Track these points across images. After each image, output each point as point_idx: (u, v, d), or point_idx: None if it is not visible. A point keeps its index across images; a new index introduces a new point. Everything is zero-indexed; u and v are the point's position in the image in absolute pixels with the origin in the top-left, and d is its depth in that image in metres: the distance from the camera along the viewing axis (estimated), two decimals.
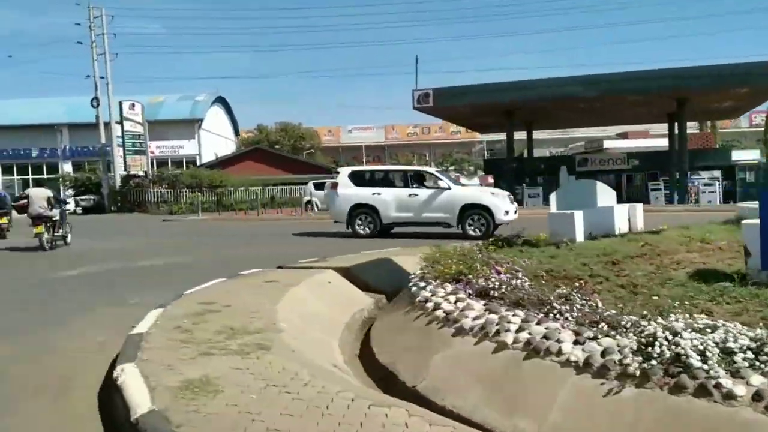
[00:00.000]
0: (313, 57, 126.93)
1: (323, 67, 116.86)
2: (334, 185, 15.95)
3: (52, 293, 8.65)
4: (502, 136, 63.47)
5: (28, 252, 13.73)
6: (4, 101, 47.99)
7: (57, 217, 14.06)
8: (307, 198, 26.62)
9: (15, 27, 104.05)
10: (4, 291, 8.89)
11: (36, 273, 10.61)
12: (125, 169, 32.30)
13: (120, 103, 32.19)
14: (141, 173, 32.47)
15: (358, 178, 15.89)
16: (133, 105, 32.83)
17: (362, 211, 15.40)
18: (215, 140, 50.00)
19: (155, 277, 9.90)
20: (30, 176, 44.25)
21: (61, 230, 14.41)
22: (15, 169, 45.27)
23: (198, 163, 43.60)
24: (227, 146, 53.27)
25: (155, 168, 35.33)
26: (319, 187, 26.93)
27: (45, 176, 43.70)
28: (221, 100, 52.79)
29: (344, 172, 16.46)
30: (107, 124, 32.92)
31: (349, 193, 15.54)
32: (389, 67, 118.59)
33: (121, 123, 32.02)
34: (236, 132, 58.69)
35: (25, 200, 13.77)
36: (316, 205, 25.53)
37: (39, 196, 13.77)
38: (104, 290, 8.73)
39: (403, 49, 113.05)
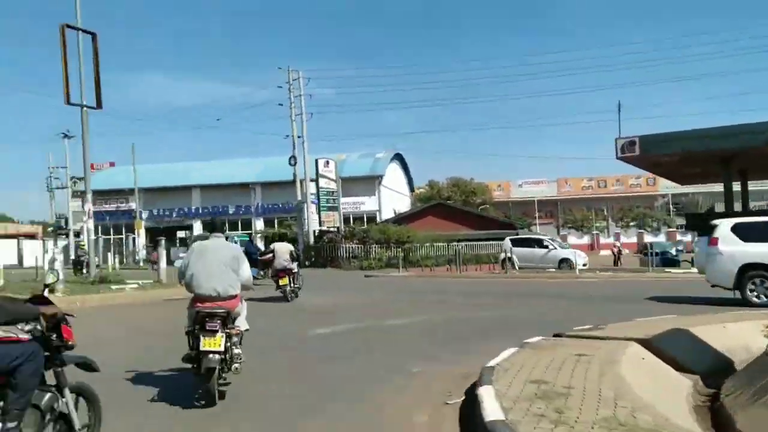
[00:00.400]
0: (482, 109, 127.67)
1: (493, 120, 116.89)
2: (713, 240, 13.38)
3: (322, 355, 8.30)
4: (688, 189, 58.93)
5: (270, 303, 14.06)
6: (206, 163, 52.84)
7: (296, 270, 14.51)
8: (505, 255, 25.64)
9: (221, 94, 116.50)
10: (276, 349, 8.68)
11: (293, 330, 10.54)
12: (320, 225, 33.49)
13: (316, 161, 33.73)
14: (333, 229, 33.49)
15: (745, 231, 13.18)
16: (328, 162, 34.25)
17: (758, 273, 12.80)
18: (393, 196, 50.99)
19: (415, 339, 9.33)
20: (226, 233, 47.55)
21: (297, 283, 14.81)
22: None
23: (378, 219, 44.43)
24: (403, 202, 54.13)
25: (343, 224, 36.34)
26: (517, 243, 25.88)
27: (240, 232, 47.01)
28: (398, 157, 54.03)
29: (725, 224, 13.62)
30: (302, 182, 34.54)
31: (735, 250, 12.96)
32: (562, 117, 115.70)
33: (316, 180, 33.45)
34: (411, 188, 59.64)
35: (271, 254, 14.37)
36: (514, 263, 24.45)
37: (283, 250, 14.41)
38: (371, 353, 8.28)
39: (576, 98, 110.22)
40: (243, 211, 49.00)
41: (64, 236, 50.88)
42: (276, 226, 45.25)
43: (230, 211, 49.14)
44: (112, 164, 56.47)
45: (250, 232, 36.85)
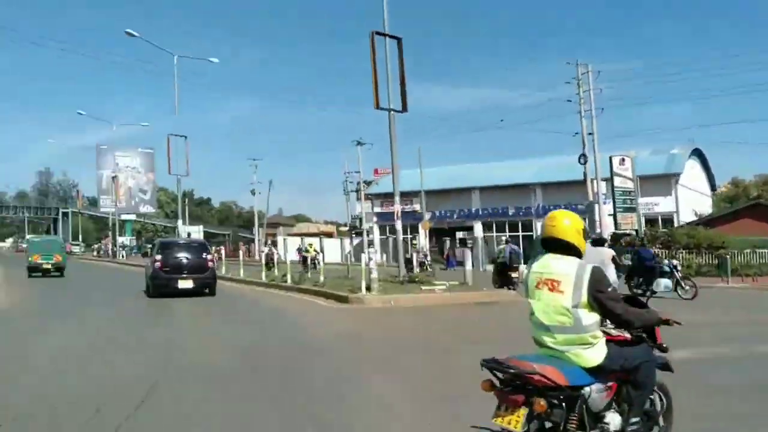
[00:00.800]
0: None
1: None
2: None
3: (714, 390, 6.43)
4: None
5: None
6: (485, 164, 52.98)
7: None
8: None
9: (498, 98, 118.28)
10: None
11: None
12: (615, 227, 30.84)
13: (610, 158, 31.20)
14: (631, 232, 30.54)
15: None
16: (623, 160, 31.48)
17: None
18: (690, 196, 45.39)
19: None
20: (506, 233, 46.78)
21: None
22: (494, 226, 48.72)
23: (675, 222, 39.83)
24: (702, 202, 47.94)
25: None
26: None
27: (520, 233, 45.98)
28: (697, 153, 48.01)
29: None
30: (593, 181, 32.23)
31: None
32: None
33: (611, 179, 30.92)
34: (712, 187, 52.71)
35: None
36: None
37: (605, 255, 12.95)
38: None
39: None
40: (523, 212, 47.88)
41: (356, 235, 55.27)
42: None
43: (510, 213, 48.42)
44: None
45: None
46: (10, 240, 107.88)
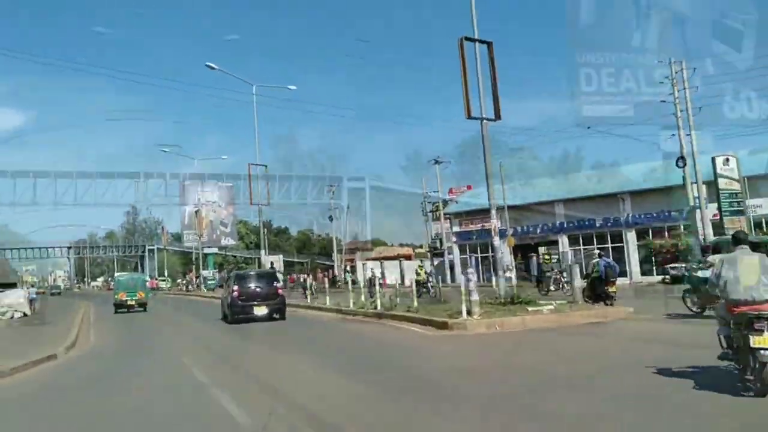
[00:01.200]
0: None
1: None
2: None
3: None
4: None
5: None
6: (571, 175, 50.98)
7: None
8: None
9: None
10: None
11: None
12: (722, 232, 28.39)
13: (713, 159, 28.89)
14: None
15: None
16: (728, 160, 29.05)
17: None
18: None
19: None
20: (594, 246, 44.43)
21: None
22: (580, 239, 46.46)
23: None
24: None
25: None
26: None
27: (609, 245, 43.54)
28: None
29: None
30: (693, 185, 29.94)
31: None
32: None
33: (715, 181, 28.59)
34: None
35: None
36: None
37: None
38: None
39: None
40: (611, 223, 45.43)
41: (436, 256, 54.05)
42: (651, 236, 41.21)
43: (597, 224, 46.05)
44: (469, 187, 58.23)
45: None
46: (101, 279, 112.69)
